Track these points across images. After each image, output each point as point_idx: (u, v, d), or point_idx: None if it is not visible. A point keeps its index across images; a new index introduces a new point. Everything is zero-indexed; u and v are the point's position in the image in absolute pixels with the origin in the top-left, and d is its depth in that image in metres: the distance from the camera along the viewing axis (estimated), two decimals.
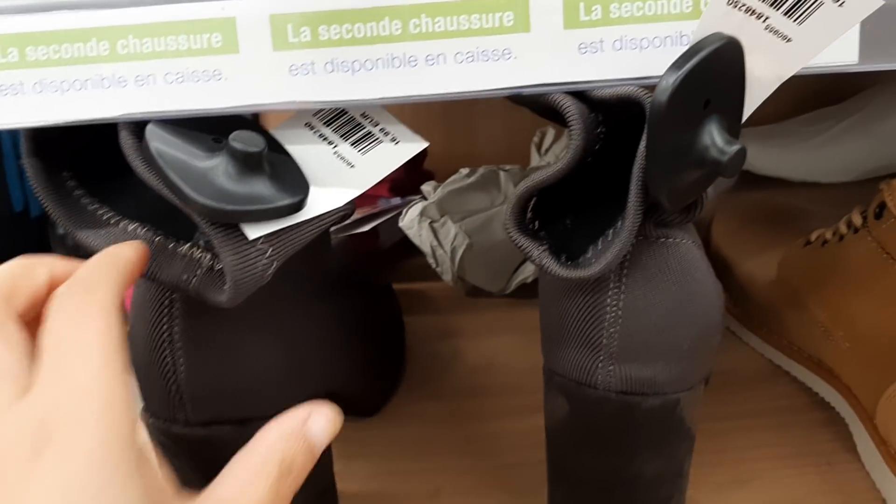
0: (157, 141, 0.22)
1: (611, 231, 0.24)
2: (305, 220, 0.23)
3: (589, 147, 0.23)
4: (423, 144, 0.24)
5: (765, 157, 0.58)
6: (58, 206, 0.23)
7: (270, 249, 0.22)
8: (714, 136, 0.22)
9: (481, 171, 0.48)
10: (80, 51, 0.22)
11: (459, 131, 0.61)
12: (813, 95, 0.62)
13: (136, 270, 0.21)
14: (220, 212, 0.21)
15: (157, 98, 0.22)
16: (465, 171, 0.48)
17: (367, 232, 0.48)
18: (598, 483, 0.28)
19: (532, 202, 0.25)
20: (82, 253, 0.22)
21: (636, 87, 0.22)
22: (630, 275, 0.25)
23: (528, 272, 0.47)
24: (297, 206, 0.22)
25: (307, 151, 0.24)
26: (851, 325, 0.34)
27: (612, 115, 0.24)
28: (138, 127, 0.22)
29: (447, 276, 0.47)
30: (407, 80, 0.22)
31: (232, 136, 0.22)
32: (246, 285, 0.22)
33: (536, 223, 0.25)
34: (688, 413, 0.27)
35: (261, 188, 0.22)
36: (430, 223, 0.46)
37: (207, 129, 0.23)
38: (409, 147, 0.24)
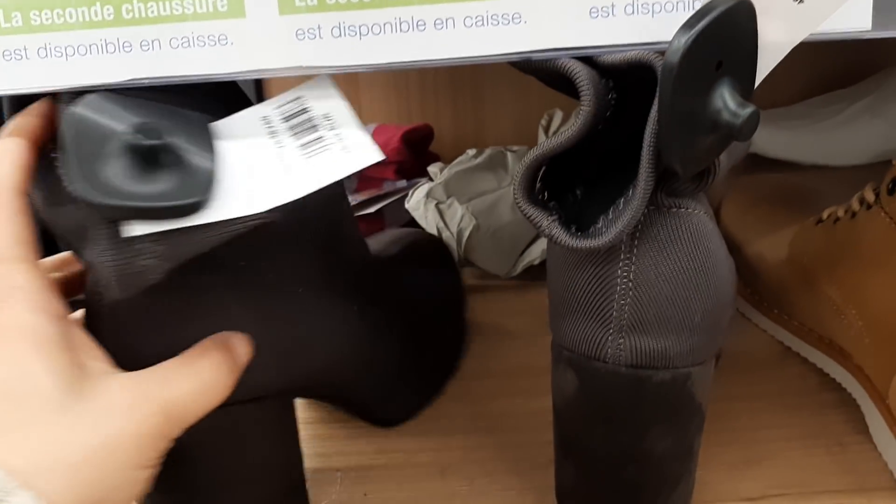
0: (82, 114, 0.20)
1: (622, 200, 0.24)
2: (207, 224, 0.21)
3: (599, 114, 0.23)
4: (376, 158, 0.21)
5: (775, 140, 0.57)
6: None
7: (161, 249, 0.21)
8: (726, 99, 0.21)
9: (488, 151, 0.47)
10: (84, 15, 0.22)
11: (467, 114, 0.60)
12: (823, 78, 0.62)
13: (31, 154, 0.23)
14: (99, 206, 0.20)
15: (163, 63, 0.22)
16: (471, 151, 0.47)
17: (372, 214, 0.48)
18: (608, 460, 0.28)
19: (541, 172, 0.24)
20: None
21: (647, 51, 0.22)
22: (641, 245, 0.24)
23: (535, 254, 0.46)
24: (190, 209, 0.20)
25: (249, 148, 0.22)
26: (864, 303, 0.34)
27: (623, 82, 0.23)
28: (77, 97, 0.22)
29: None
30: (415, 45, 0.22)
31: (134, 125, 0.20)
32: (129, 283, 0.21)
33: (546, 194, 0.25)
34: (699, 389, 0.27)
35: (151, 185, 0.20)
36: (437, 204, 0.45)
37: (170, 105, 0.22)
38: (357, 158, 0.21)
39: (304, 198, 0.21)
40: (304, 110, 0.22)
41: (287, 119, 0.22)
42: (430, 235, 0.44)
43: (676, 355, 0.25)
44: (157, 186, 0.20)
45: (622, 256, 0.25)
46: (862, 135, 0.57)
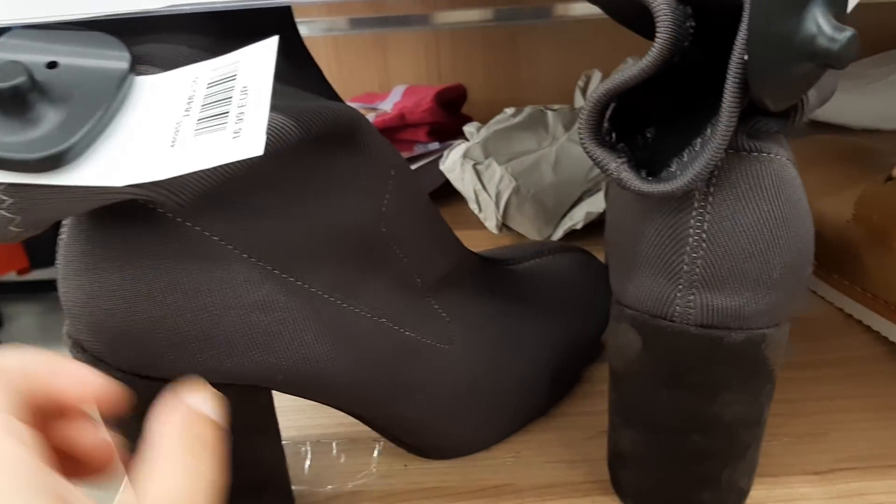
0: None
1: (698, 141, 0.22)
2: (60, 187, 0.18)
3: (677, 43, 0.20)
4: (257, 152, 0.18)
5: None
6: None
7: (11, 201, 0.18)
8: (820, 23, 0.19)
9: (528, 110, 0.45)
10: None
11: (500, 76, 0.58)
12: (871, 38, 0.59)
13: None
14: None
15: None
16: (510, 110, 0.45)
17: None
18: (671, 427, 0.26)
19: (610, 110, 0.22)
20: None
21: None
22: (717, 192, 0.22)
23: (577, 218, 0.44)
24: (40, 165, 0.18)
25: (155, 110, 0.19)
26: None
27: (703, 9, 0.21)
28: None
29: (491, 223, 0.44)
30: None
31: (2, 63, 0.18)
32: None
33: (614, 135, 0.23)
34: (773, 353, 0.25)
35: (7, 130, 0.18)
36: (474, 165, 0.43)
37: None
38: (240, 149, 0.18)
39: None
40: (232, 77, 0.19)
41: (212, 84, 0.20)
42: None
43: (752, 314, 0.23)
44: (14, 134, 0.18)
45: (696, 205, 0.23)
46: None
